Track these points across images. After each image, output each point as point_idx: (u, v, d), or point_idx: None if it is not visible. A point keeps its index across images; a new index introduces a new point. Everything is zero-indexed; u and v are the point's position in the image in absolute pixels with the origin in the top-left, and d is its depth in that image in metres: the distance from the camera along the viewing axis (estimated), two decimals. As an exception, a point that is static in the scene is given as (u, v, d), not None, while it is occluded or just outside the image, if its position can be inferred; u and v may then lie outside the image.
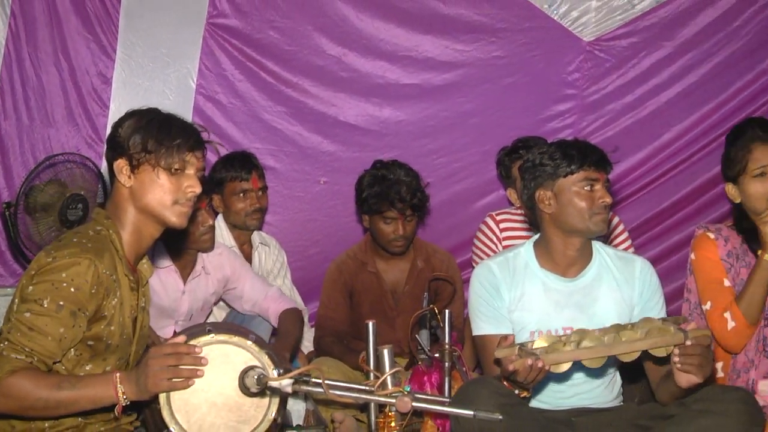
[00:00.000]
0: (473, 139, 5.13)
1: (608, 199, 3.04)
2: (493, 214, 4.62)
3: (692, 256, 3.49)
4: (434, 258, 4.53)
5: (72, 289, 2.63)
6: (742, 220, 3.47)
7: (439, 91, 5.10)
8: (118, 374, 2.58)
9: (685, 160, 5.25)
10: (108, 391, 2.57)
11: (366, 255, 4.52)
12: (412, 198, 4.32)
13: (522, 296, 3.17)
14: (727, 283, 3.40)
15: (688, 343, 2.80)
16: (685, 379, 2.85)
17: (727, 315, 3.32)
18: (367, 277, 4.49)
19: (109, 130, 2.85)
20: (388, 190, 4.30)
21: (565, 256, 3.15)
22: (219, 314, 4.55)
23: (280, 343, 4.06)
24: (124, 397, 2.58)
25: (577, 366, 2.92)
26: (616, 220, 4.62)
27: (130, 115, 2.81)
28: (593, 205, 3.05)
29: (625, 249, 4.49)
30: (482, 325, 3.20)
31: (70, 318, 2.63)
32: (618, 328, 2.87)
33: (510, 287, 3.17)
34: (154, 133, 2.76)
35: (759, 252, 3.26)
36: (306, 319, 4.76)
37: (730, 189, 3.42)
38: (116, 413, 2.62)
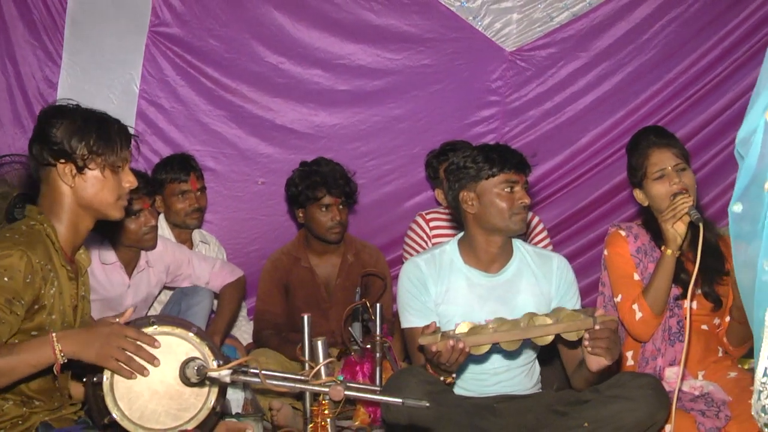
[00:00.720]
0: (403, 143, 5.18)
1: (527, 200, 3.13)
2: (423, 213, 4.71)
3: (606, 252, 3.59)
4: (364, 253, 4.62)
5: (6, 279, 2.64)
6: (649, 220, 3.56)
7: (371, 97, 5.11)
8: (54, 334, 2.58)
9: (599, 163, 5.31)
10: (46, 351, 2.55)
11: (299, 251, 4.58)
12: (345, 184, 4.44)
13: (447, 291, 3.24)
14: (636, 277, 3.49)
15: (597, 327, 2.90)
16: (595, 361, 2.94)
17: (635, 306, 3.39)
18: (301, 271, 4.56)
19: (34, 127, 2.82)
20: (323, 178, 4.40)
21: (487, 253, 3.23)
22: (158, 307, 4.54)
23: (212, 327, 4.21)
24: (62, 354, 2.56)
25: (496, 348, 2.99)
26: (536, 219, 4.77)
27: (59, 115, 2.80)
28: (513, 206, 3.14)
29: (544, 246, 4.64)
30: (410, 318, 3.28)
31: (6, 305, 2.64)
32: (532, 315, 2.97)
33: (436, 282, 3.23)
34: (95, 135, 2.77)
35: (663, 248, 3.35)
36: (245, 313, 4.91)
37: (638, 193, 3.53)
38: (55, 372, 2.58)
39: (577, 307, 3.27)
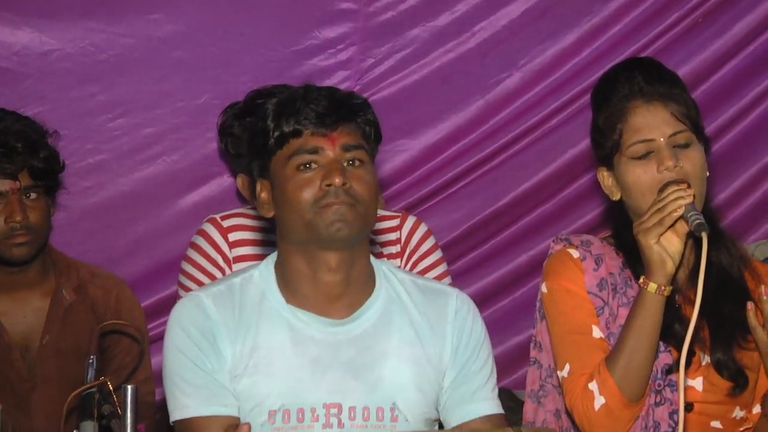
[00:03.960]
0: (178, 87, 4.17)
1: (344, 181, 2.54)
2: (216, 217, 3.77)
3: (544, 287, 2.93)
4: (93, 287, 3.81)
5: None
6: (623, 228, 2.91)
7: (117, 1, 4.13)
8: None
9: (529, 130, 4.29)
10: None
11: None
12: (28, 152, 3.66)
13: (255, 351, 2.63)
14: (597, 332, 2.85)
15: None
16: None
17: (593, 386, 2.75)
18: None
19: None
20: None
21: (318, 284, 2.62)
22: None
23: None
24: None
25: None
26: (419, 229, 3.74)
27: None
28: (318, 192, 2.59)
29: (437, 277, 3.68)
30: (185, 402, 2.65)
31: None
32: None
33: (235, 335, 2.65)
34: None
35: (642, 279, 2.72)
36: None
37: (604, 178, 2.93)
38: None
39: (490, 388, 2.69)
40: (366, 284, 2.67)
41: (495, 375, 2.81)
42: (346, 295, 2.63)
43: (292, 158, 2.51)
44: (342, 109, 2.49)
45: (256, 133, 2.60)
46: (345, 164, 2.46)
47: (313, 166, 2.49)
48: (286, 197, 2.53)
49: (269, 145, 2.55)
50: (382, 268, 2.70)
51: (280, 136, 2.51)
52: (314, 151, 2.49)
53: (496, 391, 2.73)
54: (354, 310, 2.64)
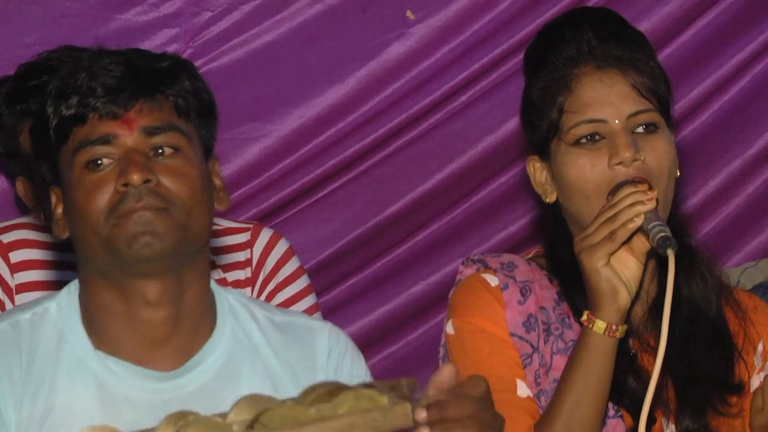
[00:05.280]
0: None
1: (145, 177, 2.31)
2: None
3: (449, 326, 2.63)
4: None
5: None
6: (560, 245, 2.67)
7: None
8: None
9: (429, 110, 3.72)
10: None
11: None
12: None
13: (50, 414, 2.34)
14: (522, 389, 2.58)
15: (423, 416, 2.05)
16: None
17: None
18: None
19: None
20: None
21: (134, 324, 2.39)
22: None
23: None
24: None
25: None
26: (279, 248, 3.40)
27: None
28: (110, 200, 2.36)
29: (308, 310, 3.41)
30: None
31: None
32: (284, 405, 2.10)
33: (22, 392, 2.37)
34: None
35: (585, 316, 2.43)
36: None
37: (536, 170, 2.67)
38: None
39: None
40: (203, 322, 2.37)
41: None
42: (175, 337, 2.34)
43: (78, 153, 2.26)
44: (141, 79, 2.23)
45: (36, 124, 2.40)
46: (150, 154, 2.21)
47: (105, 161, 2.24)
48: (75, 208, 2.30)
49: (50, 138, 2.33)
50: (227, 298, 2.42)
51: (59, 125, 2.27)
52: (104, 140, 2.23)
53: None
54: (187, 358, 2.36)
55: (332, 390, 2.08)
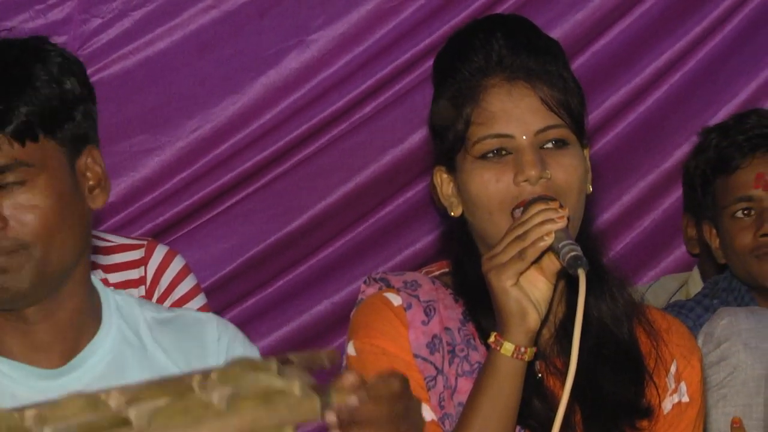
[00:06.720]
0: None
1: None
2: None
3: (351, 347, 2.59)
4: None
5: None
6: (466, 262, 2.63)
7: None
8: None
9: (332, 121, 3.69)
10: None
11: None
12: None
13: None
14: (426, 413, 2.48)
15: (332, 421, 2.00)
16: None
17: None
18: None
19: None
20: None
21: (18, 334, 2.46)
22: None
23: None
24: None
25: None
26: (174, 266, 3.34)
27: None
28: None
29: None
30: None
31: None
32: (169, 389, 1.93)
33: None
34: None
35: (492, 337, 2.41)
36: None
37: (443, 182, 2.65)
38: None
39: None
40: (88, 323, 2.42)
41: None
42: (59, 341, 2.39)
43: None
44: None
45: None
46: None
47: None
48: None
49: None
50: (114, 299, 2.46)
51: None
52: None
53: None
54: (69, 354, 2.41)
55: (251, 366, 1.98)
